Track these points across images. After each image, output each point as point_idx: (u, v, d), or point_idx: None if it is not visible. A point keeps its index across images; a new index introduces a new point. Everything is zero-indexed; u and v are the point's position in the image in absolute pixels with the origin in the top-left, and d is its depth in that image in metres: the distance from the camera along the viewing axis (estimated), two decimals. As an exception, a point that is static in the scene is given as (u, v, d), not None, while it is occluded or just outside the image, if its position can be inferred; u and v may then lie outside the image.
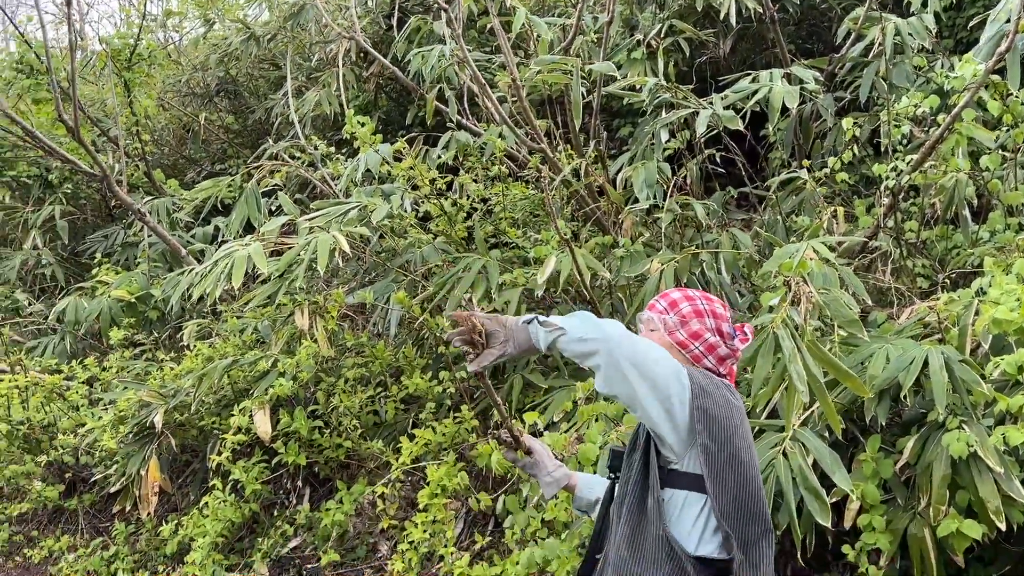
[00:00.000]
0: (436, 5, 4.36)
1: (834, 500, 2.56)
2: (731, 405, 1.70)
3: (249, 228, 4.93)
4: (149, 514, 3.95)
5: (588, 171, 3.77)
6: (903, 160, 3.11)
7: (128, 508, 4.12)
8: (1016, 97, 3.00)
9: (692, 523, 1.65)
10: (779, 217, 3.82)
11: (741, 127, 3.49)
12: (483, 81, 3.91)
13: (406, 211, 4.03)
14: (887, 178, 3.12)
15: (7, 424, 4.33)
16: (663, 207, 3.45)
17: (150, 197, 6.17)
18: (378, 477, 3.82)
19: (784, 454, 2.27)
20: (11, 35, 7.45)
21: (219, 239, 5.70)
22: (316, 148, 4.77)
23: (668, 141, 3.67)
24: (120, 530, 4.12)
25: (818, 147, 4.11)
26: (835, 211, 3.59)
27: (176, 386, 4.02)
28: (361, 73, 6.45)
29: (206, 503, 3.57)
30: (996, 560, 2.64)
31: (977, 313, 2.47)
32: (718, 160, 4.28)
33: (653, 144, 3.67)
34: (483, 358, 1.72)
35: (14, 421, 4.36)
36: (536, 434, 2.96)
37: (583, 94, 3.82)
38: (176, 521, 3.78)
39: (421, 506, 3.07)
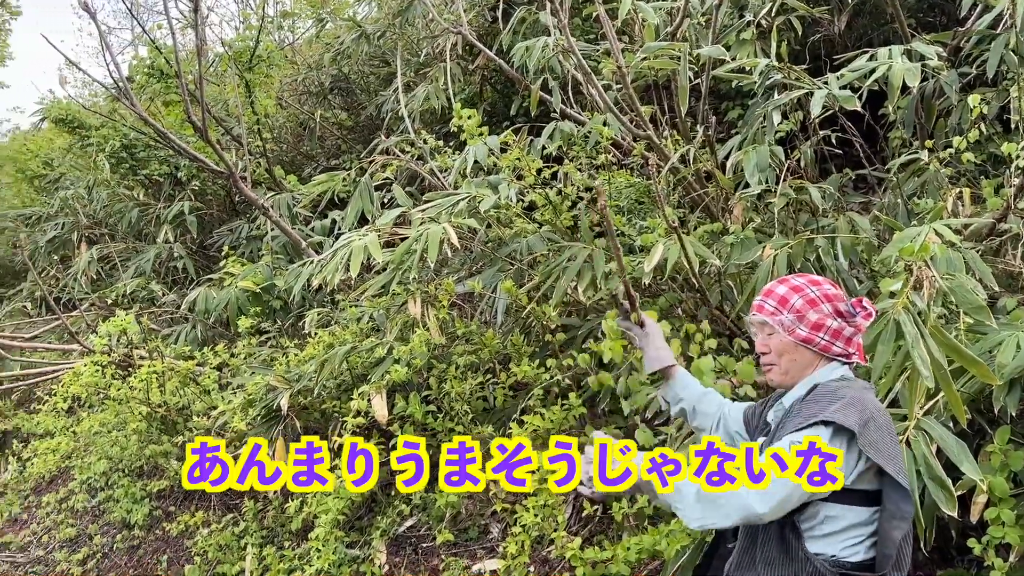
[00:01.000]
0: (541, -4, 4.39)
1: (959, 493, 2.47)
2: (878, 408, 1.70)
3: (363, 221, 5.13)
4: (276, 492, 4.19)
5: (696, 156, 3.72)
6: (1038, 136, 2.93)
7: (256, 487, 4.38)
8: None
9: (854, 535, 1.69)
10: (900, 200, 3.66)
11: (858, 107, 3.36)
12: (588, 69, 3.92)
13: (512, 201, 4.10)
14: (1018, 157, 2.94)
15: (148, 407, 4.68)
16: (775, 191, 3.37)
17: (271, 192, 6.49)
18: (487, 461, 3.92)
19: (907, 443, 2.20)
20: (143, 41, 7.96)
21: (335, 232, 5.95)
22: (425, 142, 4.90)
23: (780, 123, 3.58)
24: (249, 507, 4.38)
25: (941, 126, 3.90)
26: (960, 192, 3.41)
27: (300, 371, 4.24)
28: (467, 66, 6.56)
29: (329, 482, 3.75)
30: None
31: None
32: (834, 142, 4.13)
33: (764, 127, 3.58)
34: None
35: (153, 404, 4.70)
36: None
37: (690, 78, 3.77)
38: (301, 499, 3.99)
39: (530, 490, 3.14)
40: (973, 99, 3.15)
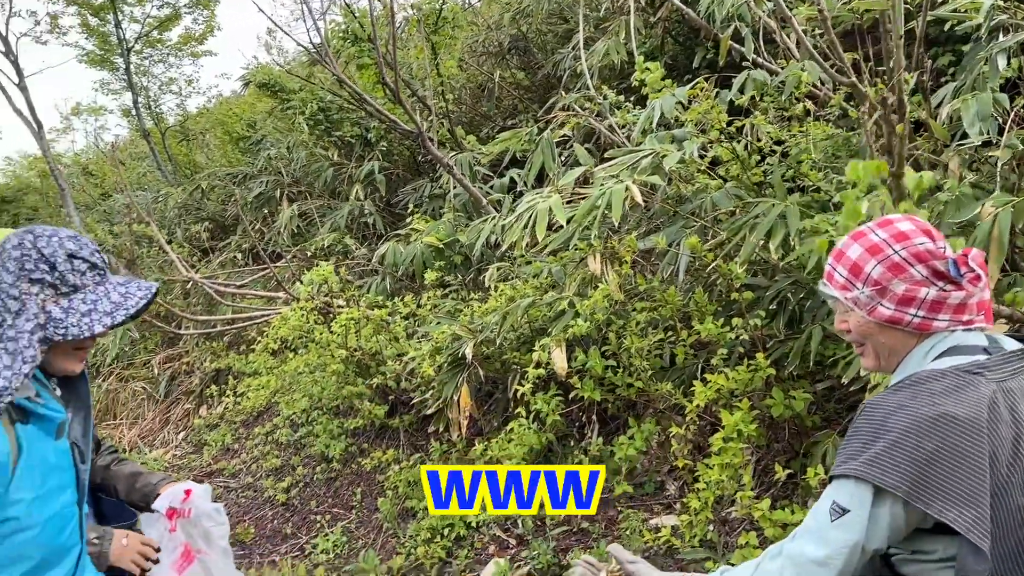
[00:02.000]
0: (732, -60, 4.20)
1: None
2: (956, 424, 1.26)
3: (539, 179, 5.20)
4: (460, 435, 4.41)
5: (906, 105, 3.46)
6: None
7: (440, 429, 4.64)
8: None
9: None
10: None
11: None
12: (788, 13, 3.72)
13: (696, 157, 4.00)
14: None
15: (346, 351, 5.04)
16: (998, 143, 3.07)
17: (453, 152, 6.72)
18: (665, 419, 3.91)
19: None
20: (340, 8, 8.40)
21: (514, 190, 6.08)
22: (605, 98, 4.86)
23: (1004, 68, 3.24)
24: (435, 448, 4.65)
25: None
26: None
27: (482, 322, 4.40)
28: (648, 19, 6.42)
29: (511, 428, 3.90)
30: None
31: None
32: (1066, 87, 3.69)
33: (985, 73, 3.26)
34: None
35: (350, 348, 5.06)
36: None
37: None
38: (484, 443, 4.18)
39: (714, 449, 3.11)
40: None
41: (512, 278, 4.94)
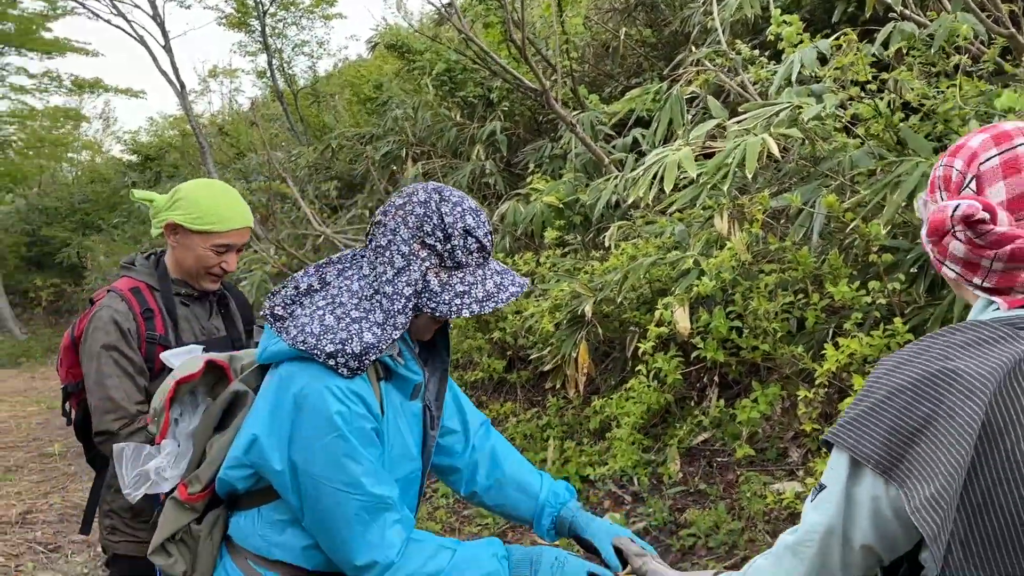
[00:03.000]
0: None
1: None
2: (962, 392, 0.98)
3: (666, 139, 5.10)
4: (577, 392, 4.45)
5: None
6: None
7: (558, 386, 4.69)
8: None
9: None
10: None
11: None
12: (942, -40, 3.48)
13: (837, 112, 3.82)
14: None
15: (466, 305, 5.16)
16: None
17: (576, 111, 6.68)
18: (791, 384, 3.82)
19: None
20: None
21: (637, 149, 6.00)
22: (738, 53, 4.71)
23: None
24: (552, 403, 4.71)
25: None
26: None
27: (602, 281, 4.40)
28: (785, -29, 6.14)
29: (631, 387, 3.91)
30: None
31: None
32: None
33: None
34: None
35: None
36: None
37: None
38: (602, 400, 4.20)
39: (844, 414, 3.01)
40: None
41: (633, 238, 4.91)
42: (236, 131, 17.18)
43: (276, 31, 14.87)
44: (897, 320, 3.23)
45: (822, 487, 1.09)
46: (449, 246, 1.48)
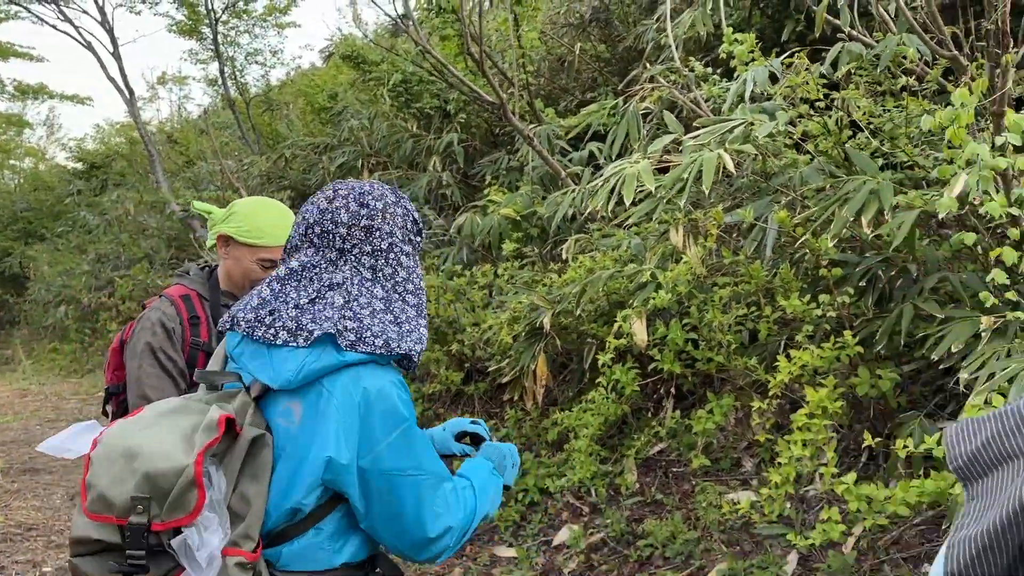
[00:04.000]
0: (832, -93, 4.07)
1: None
2: None
3: (620, 153, 5.17)
4: (535, 403, 4.47)
5: (1009, 38, 3.32)
6: None
7: (516, 398, 4.70)
8: None
9: None
10: None
11: None
12: (888, -16, 3.61)
13: (787, 130, 3.93)
14: None
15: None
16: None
17: (532, 124, 6.73)
18: (744, 395, 3.89)
19: None
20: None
21: (593, 163, 6.07)
22: (691, 70, 4.80)
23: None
24: (511, 415, 4.72)
25: None
26: None
27: (560, 293, 4.44)
28: (737, -10, 6.29)
29: (591, 398, 3.94)
30: None
31: None
32: None
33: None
34: None
35: (429, 315, 5.16)
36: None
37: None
38: (560, 412, 4.22)
39: (797, 426, 3.08)
40: None
41: (591, 251, 4.95)
42: (186, 139, 16.87)
43: (228, 39, 14.68)
44: (847, 333, 3.32)
45: None
46: (419, 239, 1.63)
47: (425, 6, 6.87)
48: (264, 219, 2.30)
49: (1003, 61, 3.17)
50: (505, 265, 5.44)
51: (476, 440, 1.99)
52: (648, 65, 6.01)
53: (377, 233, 1.55)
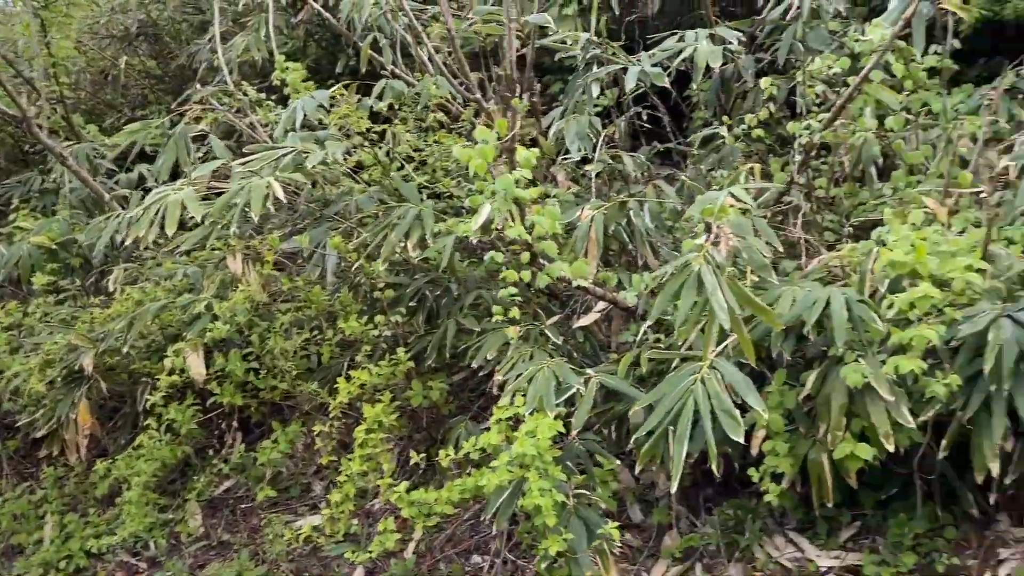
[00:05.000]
0: (371, -49, 4.35)
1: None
2: None
3: (174, 175, 4.86)
4: (79, 457, 3.94)
5: (520, 123, 3.88)
6: (816, 119, 3.33)
7: (55, 453, 4.10)
8: (919, 62, 3.24)
9: None
10: (700, 172, 4.01)
11: (667, 84, 3.64)
12: (419, 29, 3.95)
13: (340, 159, 4.06)
14: (800, 135, 3.33)
15: (-77, 370, 4.22)
16: (593, 159, 3.60)
17: (70, 142, 5.97)
18: (312, 419, 3.91)
19: (702, 381, 2.47)
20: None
21: (143, 186, 5.59)
22: (245, 94, 4.71)
23: (599, 96, 3.80)
24: (49, 473, 4.10)
25: (739, 107, 4.31)
26: (752, 168, 3.80)
27: (105, 330, 3.99)
28: (290, 19, 6.35)
29: (140, 443, 3.60)
30: (884, 485, 2.94)
31: (876, 259, 2.70)
32: (644, 117, 4.44)
33: (584, 98, 3.79)
34: None
35: (-69, 367, 4.25)
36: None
37: (517, 47, 3.91)
38: (108, 462, 3.78)
39: (358, 442, 3.18)
40: (765, 82, 3.52)
41: (142, 281, 4.54)
42: None
43: None
44: (400, 349, 3.54)
45: None
46: None
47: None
48: None
49: (513, 104, 3.69)
50: (38, 301, 4.72)
51: None
52: (201, 85, 5.75)
53: None
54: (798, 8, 3.74)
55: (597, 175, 3.62)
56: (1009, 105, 3.74)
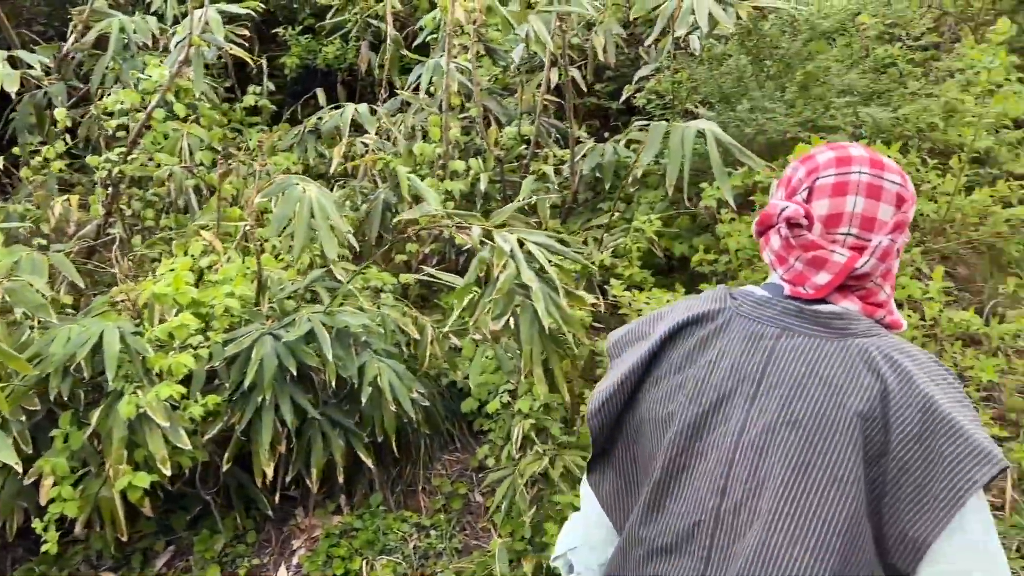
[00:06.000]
0: None
1: (33, 479, 2.64)
2: None
3: None
4: None
5: None
6: (114, 153, 3.31)
7: None
8: (202, 100, 3.47)
9: None
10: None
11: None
12: None
13: None
14: (101, 168, 3.29)
15: None
16: None
17: None
18: None
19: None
20: None
21: None
22: None
23: None
24: None
25: (52, 133, 4.07)
26: (68, 199, 3.63)
27: None
28: None
29: None
30: (190, 506, 3.06)
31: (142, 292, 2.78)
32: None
33: None
34: None
35: None
36: None
37: None
38: None
39: None
40: (59, 114, 3.39)
41: None
42: None
43: None
44: None
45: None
46: None
47: None
48: None
49: None
50: None
51: None
52: None
53: None
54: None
55: None
56: (315, 143, 4.27)
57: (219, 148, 3.69)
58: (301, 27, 5.25)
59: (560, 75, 3.63)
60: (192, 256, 2.93)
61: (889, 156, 2.84)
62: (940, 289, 2.58)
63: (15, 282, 2.69)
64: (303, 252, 3.12)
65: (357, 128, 4.04)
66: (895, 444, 1.00)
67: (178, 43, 3.33)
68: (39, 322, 2.78)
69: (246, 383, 2.70)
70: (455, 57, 3.76)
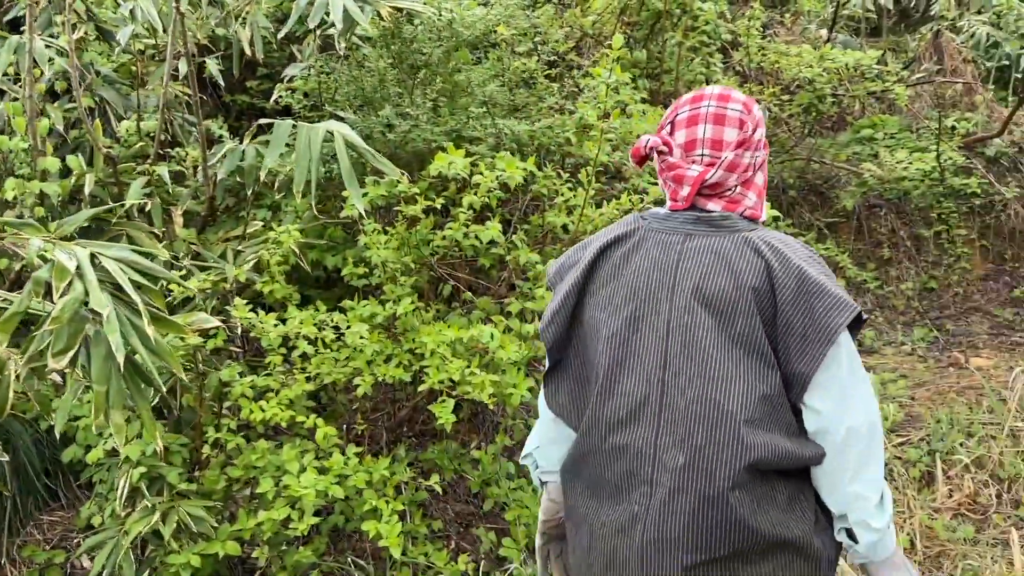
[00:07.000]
0: None
1: None
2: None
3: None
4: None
5: None
6: None
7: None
8: None
9: None
10: None
11: None
12: None
13: None
14: None
15: None
16: None
17: None
18: None
19: None
20: None
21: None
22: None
23: None
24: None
25: None
26: None
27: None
28: None
29: None
30: None
31: None
32: None
33: None
34: None
35: None
36: None
37: None
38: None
39: None
40: None
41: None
42: None
43: None
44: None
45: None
46: None
47: None
48: None
49: None
50: None
51: None
52: None
53: None
54: None
55: None
56: None
57: None
58: None
59: (188, 66, 3.18)
60: None
61: (527, 168, 2.84)
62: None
63: None
64: None
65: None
66: (780, 305, 1.28)
67: None
68: None
69: None
70: (55, 37, 3.14)
